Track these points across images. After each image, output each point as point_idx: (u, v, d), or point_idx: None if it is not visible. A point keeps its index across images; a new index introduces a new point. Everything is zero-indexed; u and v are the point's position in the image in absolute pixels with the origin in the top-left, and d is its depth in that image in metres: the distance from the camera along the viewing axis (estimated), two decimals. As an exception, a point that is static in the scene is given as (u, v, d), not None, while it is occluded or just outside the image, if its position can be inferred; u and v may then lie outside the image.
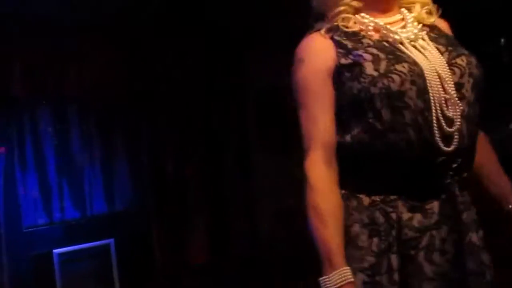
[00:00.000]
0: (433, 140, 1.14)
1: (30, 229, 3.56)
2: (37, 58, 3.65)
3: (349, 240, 1.17)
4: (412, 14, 1.29)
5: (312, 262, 1.19)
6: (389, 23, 1.26)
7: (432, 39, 1.26)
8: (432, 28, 1.31)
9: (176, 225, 3.97)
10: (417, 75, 1.15)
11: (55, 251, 3.53)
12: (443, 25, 1.37)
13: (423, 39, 1.25)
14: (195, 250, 3.97)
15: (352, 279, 1.13)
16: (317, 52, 1.24)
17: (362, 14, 1.26)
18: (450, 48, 1.24)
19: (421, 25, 1.28)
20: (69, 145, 3.70)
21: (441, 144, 1.15)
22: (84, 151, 3.73)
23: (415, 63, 1.17)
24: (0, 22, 3.32)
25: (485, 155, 1.35)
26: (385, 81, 1.14)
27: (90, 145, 3.76)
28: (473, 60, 1.24)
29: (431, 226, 1.16)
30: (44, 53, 3.65)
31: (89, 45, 3.71)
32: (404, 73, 1.14)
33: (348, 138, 1.20)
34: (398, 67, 1.15)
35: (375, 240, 1.16)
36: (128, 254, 3.78)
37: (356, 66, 1.18)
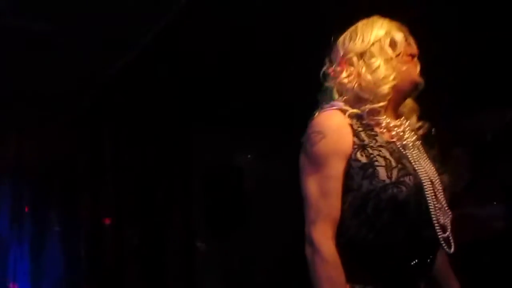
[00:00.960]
0: (438, 243, 1.26)
1: None
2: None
3: None
4: (409, 123, 1.39)
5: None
6: (396, 126, 1.35)
7: (425, 151, 1.37)
8: (421, 140, 1.41)
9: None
10: (418, 187, 1.26)
11: None
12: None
13: (418, 149, 1.35)
14: None
15: None
16: (340, 132, 1.28)
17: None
18: (437, 163, 1.37)
19: (415, 135, 1.38)
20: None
21: (446, 248, 1.27)
22: (12, 229, 3.50)
23: (417, 175, 1.28)
24: None
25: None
26: (395, 190, 1.23)
27: (20, 223, 3.54)
28: (449, 177, 1.38)
29: None
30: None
31: (28, 120, 3.64)
32: (411, 186, 1.24)
33: (342, 227, 1.26)
34: (406, 178, 1.25)
35: None
36: None
37: (370, 167, 1.25)
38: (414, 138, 1.36)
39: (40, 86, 3.60)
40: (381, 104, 1.31)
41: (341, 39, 1.40)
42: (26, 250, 3.55)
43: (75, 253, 3.72)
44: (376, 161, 1.25)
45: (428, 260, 1.29)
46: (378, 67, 1.32)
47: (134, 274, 3.86)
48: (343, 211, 1.26)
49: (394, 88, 1.33)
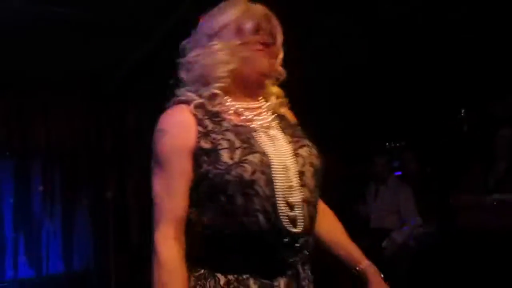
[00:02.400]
0: (280, 223, 1.24)
1: (-23, 289, 3.32)
2: (0, 111, 3.66)
3: None
4: (267, 104, 1.39)
5: None
6: (248, 109, 1.35)
7: (281, 129, 1.37)
8: (281, 118, 1.41)
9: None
10: (266, 165, 1.25)
11: (6, 314, 3.30)
12: (290, 116, 1.48)
13: (274, 128, 1.35)
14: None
15: None
16: (181, 128, 1.28)
17: (226, 97, 1.34)
18: (295, 138, 1.35)
19: (273, 115, 1.39)
20: (30, 199, 3.57)
21: (288, 227, 1.24)
22: (45, 206, 3.63)
23: (264, 154, 1.26)
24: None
25: (332, 227, 1.48)
26: (239, 170, 1.22)
27: (51, 200, 3.64)
28: (313, 150, 1.35)
29: None
30: (9, 106, 3.65)
31: (56, 100, 3.73)
32: (256, 163, 1.23)
33: (204, 219, 1.25)
34: (251, 157, 1.24)
35: None
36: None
37: (214, 152, 1.24)
38: (270, 119, 1.36)
39: (67, 67, 3.68)
40: (217, 85, 1.31)
41: (202, 18, 1.39)
42: (58, 226, 3.68)
43: (103, 229, 3.86)
44: (219, 144, 1.25)
45: (299, 240, 1.26)
46: (217, 50, 1.32)
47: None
48: (202, 201, 1.25)
49: (237, 74, 1.32)
